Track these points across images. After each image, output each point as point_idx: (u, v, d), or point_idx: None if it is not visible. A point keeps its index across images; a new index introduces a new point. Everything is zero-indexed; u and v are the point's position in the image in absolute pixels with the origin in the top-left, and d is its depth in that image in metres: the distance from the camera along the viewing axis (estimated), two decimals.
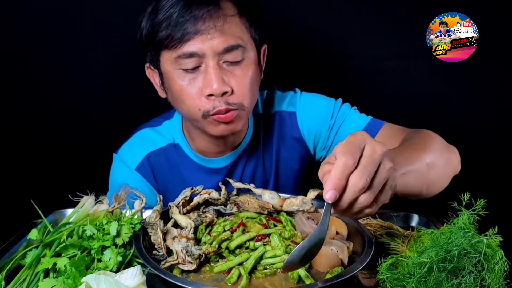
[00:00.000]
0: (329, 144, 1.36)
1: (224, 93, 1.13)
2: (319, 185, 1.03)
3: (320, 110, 1.36)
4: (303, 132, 1.37)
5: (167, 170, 1.36)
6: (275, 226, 0.99)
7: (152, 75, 1.26)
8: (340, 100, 1.38)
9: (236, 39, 1.12)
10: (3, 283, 0.87)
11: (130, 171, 1.34)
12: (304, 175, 1.43)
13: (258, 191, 1.09)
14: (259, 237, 0.94)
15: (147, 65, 1.25)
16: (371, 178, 0.73)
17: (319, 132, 1.36)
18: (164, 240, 0.95)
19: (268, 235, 0.95)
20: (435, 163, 1.02)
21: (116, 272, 0.87)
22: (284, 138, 1.38)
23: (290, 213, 1.05)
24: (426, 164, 1.00)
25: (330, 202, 0.72)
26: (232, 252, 0.93)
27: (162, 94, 1.26)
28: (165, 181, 1.36)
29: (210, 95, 1.13)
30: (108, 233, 0.93)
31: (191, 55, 1.10)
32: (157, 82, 1.25)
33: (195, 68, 1.13)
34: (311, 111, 1.36)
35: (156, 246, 0.95)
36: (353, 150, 0.73)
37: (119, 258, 0.90)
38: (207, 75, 1.12)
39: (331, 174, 0.72)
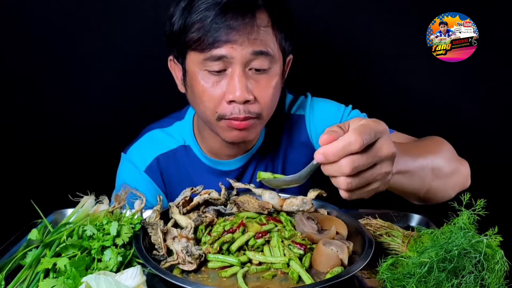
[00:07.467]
0: None
1: (246, 101, 1.12)
2: (319, 185, 1.04)
3: (328, 115, 1.35)
4: (311, 136, 1.37)
5: (176, 172, 1.34)
6: (275, 226, 0.99)
7: (174, 68, 1.24)
8: (350, 106, 1.37)
9: (265, 46, 1.11)
10: (3, 283, 0.86)
11: (139, 172, 1.33)
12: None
13: (258, 191, 1.09)
14: (260, 234, 0.95)
15: (170, 57, 1.24)
16: (362, 170, 0.74)
17: None
18: (164, 240, 0.95)
19: (268, 231, 0.96)
20: (441, 169, 1.00)
21: (116, 272, 0.87)
22: (292, 142, 1.38)
23: (290, 213, 1.05)
24: (431, 168, 0.97)
25: (315, 163, 0.76)
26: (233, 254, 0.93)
27: (181, 89, 1.25)
28: (173, 184, 1.35)
29: (232, 101, 1.12)
30: (108, 233, 0.93)
31: (219, 58, 1.09)
32: (179, 76, 1.23)
33: (221, 71, 1.11)
34: (319, 116, 1.36)
35: (156, 246, 0.95)
36: (367, 136, 0.72)
37: (119, 258, 0.90)
38: (232, 81, 1.10)
39: (332, 144, 0.73)
